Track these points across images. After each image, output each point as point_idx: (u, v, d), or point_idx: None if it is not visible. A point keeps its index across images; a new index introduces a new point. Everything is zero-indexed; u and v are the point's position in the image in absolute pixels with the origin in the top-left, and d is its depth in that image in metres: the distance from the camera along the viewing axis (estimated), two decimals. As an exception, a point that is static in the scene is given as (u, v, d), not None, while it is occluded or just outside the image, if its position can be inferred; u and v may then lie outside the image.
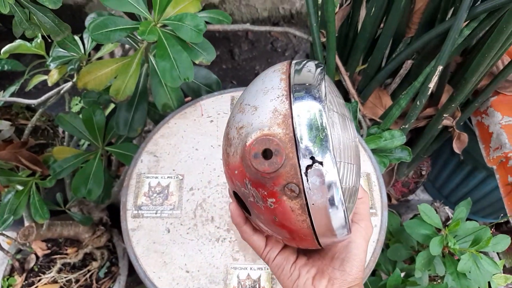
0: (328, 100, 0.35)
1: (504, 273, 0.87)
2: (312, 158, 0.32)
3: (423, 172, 1.14)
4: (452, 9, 0.86)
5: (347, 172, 0.38)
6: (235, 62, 1.88)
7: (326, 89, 0.35)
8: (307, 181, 0.33)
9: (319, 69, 0.36)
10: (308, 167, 0.32)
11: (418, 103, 0.84)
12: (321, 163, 0.32)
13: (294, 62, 0.39)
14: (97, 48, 0.97)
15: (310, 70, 0.36)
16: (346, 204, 0.34)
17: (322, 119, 0.33)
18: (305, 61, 0.38)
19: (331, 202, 0.33)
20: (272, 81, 0.37)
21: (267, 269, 0.66)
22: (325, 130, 0.32)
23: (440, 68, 0.79)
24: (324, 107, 0.33)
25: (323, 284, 0.40)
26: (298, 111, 0.33)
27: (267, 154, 0.33)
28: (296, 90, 0.34)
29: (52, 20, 0.69)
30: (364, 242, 0.42)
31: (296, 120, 0.33)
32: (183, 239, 0.68)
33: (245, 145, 0.34)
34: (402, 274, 0.91)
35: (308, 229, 0.35)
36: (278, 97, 0.35)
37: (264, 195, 0.35)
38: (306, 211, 0.34)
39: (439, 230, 0.84)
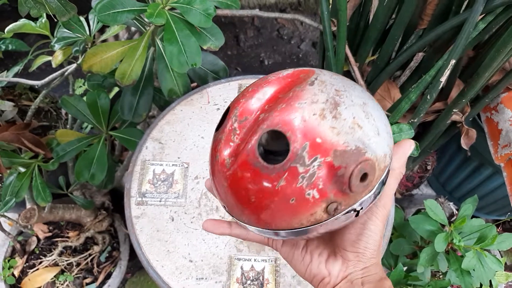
0: None
1: (505, 270, 0.87)
2: None
3: (428, 167, 1.13)
4: (467, 1, 0.84)
5: None
6: (240, 49, 1.85)
7: None
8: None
9: None
10: None
11: (428, 97, 0.83)
12: None
13: None
14: (101, 30, 0.96)
15: None
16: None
17: None
18: None
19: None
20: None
21: (271, 261, 0.65)
22: None
23: (453, 62, 0.77)
24: None
25: (337, 267, 0.39)
26: None
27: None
28: None
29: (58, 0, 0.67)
30: (379, 222, 0.39)
31: None
32: (187, 228, 0.68)
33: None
34: (404, 269, 0.90)
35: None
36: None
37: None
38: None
39: (443, 225, 0.83)
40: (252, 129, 0.33)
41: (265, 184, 0.32)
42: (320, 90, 0.34)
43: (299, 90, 0.34)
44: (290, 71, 0.37)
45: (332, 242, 0.40)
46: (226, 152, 0.34)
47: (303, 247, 0.41)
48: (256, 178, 0.33)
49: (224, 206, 0.38)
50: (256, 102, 0.35)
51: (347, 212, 0.34)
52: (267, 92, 0.36)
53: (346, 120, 0.32)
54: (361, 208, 0.35)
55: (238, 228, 0.42)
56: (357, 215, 0.35)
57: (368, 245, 0.38)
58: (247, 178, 0.33)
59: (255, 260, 0.65)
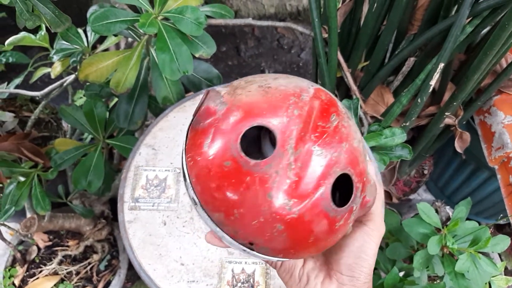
0: None
1: (505, 275, 0.87)
2: None
3: (425, 171, 1.13)
4: (456, 6, 0.85)
5: None
6: (241, 59, 1.88)
7: None
8: None
9: None
10: None
11: (419, 100, 0.83)
12: None
13: None
14: (102, 41, 0.98)
15: None
16: None
17: None
18: None
19: None
20: None
21: (262, 263, 0.66)
22: None
23: (441, 65, 0.78)
24: None
25: None
26: None
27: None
28: None
29: (52, 11, 0.69)
30: (374, 245, 0.39)
31: None
32: (179, 232, 0.69)
33: None
34: (402, 273, 0.90)
35: None
36: None
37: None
38: None
39: (439, 230, 0.83)
40: (316, 169, 0.31)
41: (330, 225, 0.33)
42: (354, 124, 0.36)
43: (346, 125, 0.34)
44: (311, 91, 0.34)
45: (327, 264, 0.41)
46: (285, 193, 0.30)
47: (301, 267, 0.42)
48: (323, 221, 0.32)
49: (251, 243, 0.33)
50: (299, 129, 0.31)
51: None
52: (305, 116, 0.32)
53: (369, 155, 0.37)
54: None
55: None
56: None
57: (364, 268, 0.39)
58: (314, 222, 0.32)
59: (245, 262, 0.66)
